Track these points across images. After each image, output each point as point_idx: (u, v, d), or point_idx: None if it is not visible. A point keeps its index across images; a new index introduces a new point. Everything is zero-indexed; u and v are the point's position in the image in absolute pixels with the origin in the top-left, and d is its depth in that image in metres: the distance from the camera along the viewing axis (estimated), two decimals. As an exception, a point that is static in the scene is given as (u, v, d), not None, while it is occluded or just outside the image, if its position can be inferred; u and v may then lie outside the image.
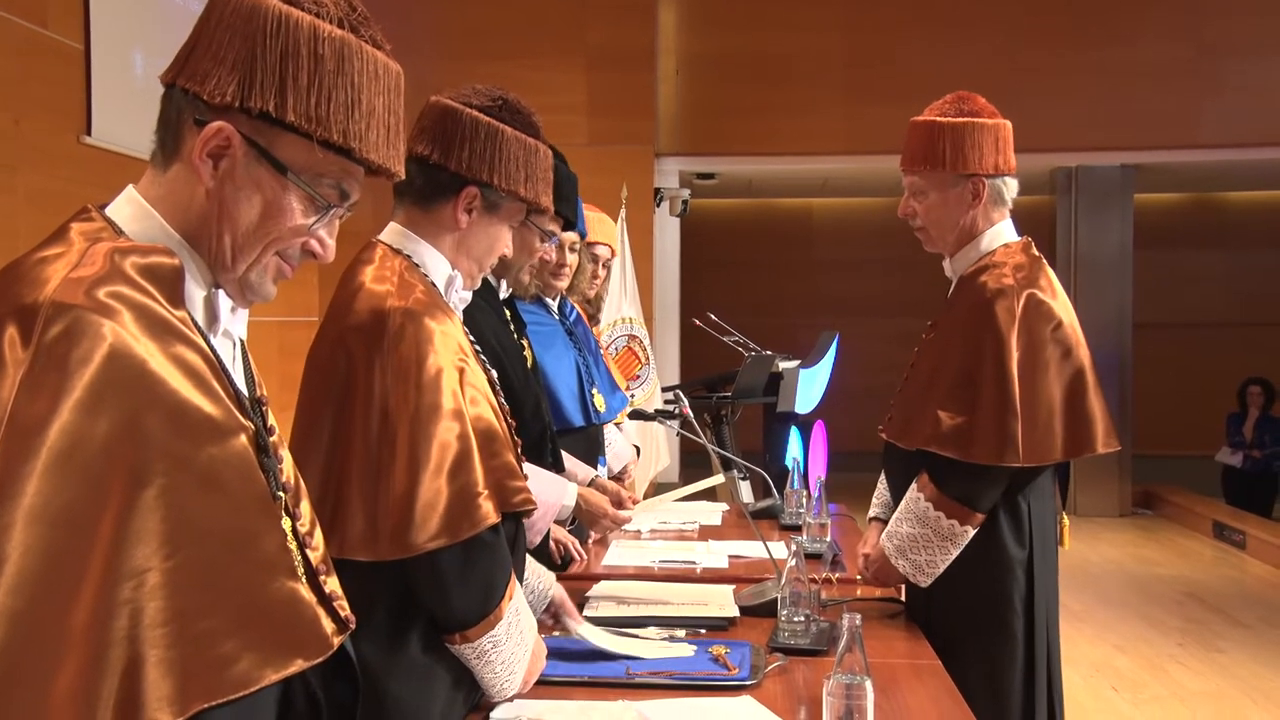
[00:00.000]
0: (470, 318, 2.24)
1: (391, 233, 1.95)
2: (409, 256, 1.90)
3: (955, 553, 2.50)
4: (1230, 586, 7.79)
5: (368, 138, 1.21)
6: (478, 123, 1.88)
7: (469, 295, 2.00)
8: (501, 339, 2.53)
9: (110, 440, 1.00)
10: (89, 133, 5.56)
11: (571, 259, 3.14)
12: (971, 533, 2.48)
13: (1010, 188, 2.61)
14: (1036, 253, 2.60)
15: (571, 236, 3.10)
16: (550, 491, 2.49)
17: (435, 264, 1.92)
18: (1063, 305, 2.53)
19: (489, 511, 1.76)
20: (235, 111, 1.16)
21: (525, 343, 2.68)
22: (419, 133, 1.92)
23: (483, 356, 1.94)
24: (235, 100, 1.15)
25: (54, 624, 0.95)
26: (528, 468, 2.50)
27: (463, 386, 1.79)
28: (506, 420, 1.91)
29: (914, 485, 2.55)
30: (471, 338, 1.94)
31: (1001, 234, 2.61)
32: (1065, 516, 2.71)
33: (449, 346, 1.79)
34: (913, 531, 2.53)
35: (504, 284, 2.63)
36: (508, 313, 2.62)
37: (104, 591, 0.98)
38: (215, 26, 1.18)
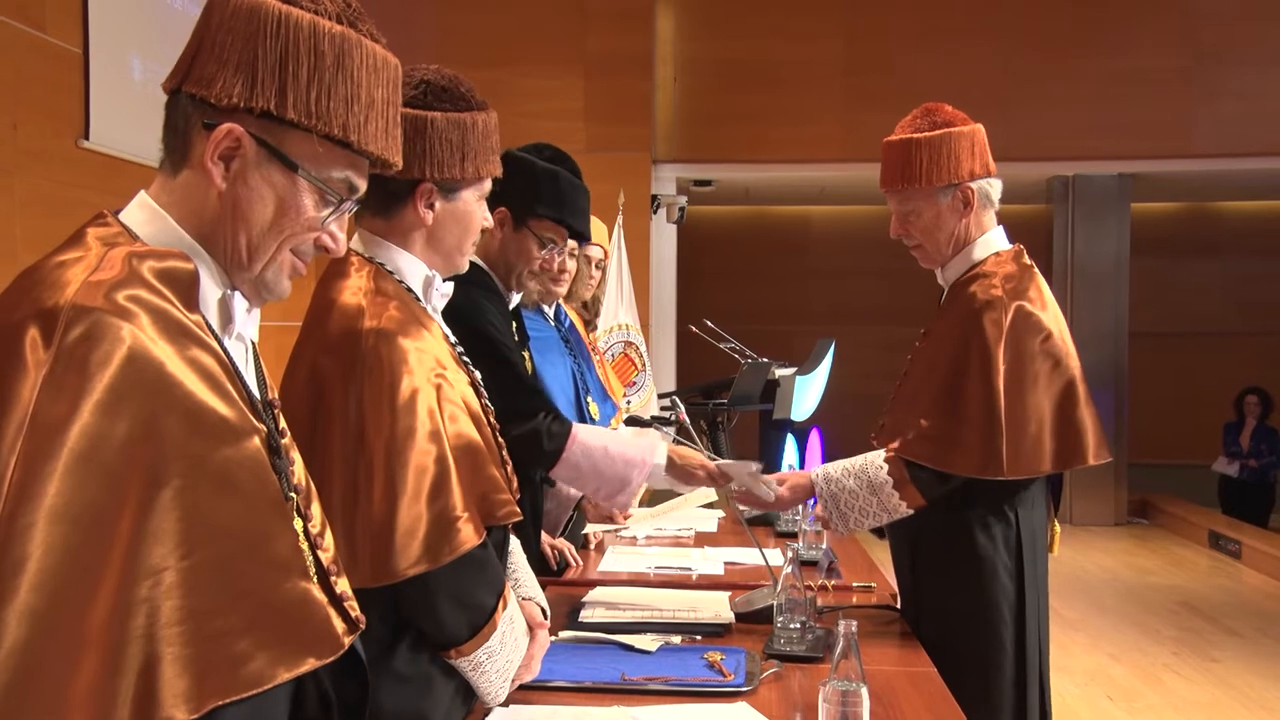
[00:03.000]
0: (484, 314, 2.34)
1: (360, 241, 1.90)
2: (382, 264, 1.86)
3: (886, 522, 2.55)
4: (1226, 596, 7.80)
5: (367, 129, 1.23)
6: (403, 119, 1.83)
7: (450, 287, 1.95)
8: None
9: (129, 441, 1.01)
10: (87, 136, 5.57)
11: (571, 264, 3.14)
12: (910, 513, 2.52)
13: (995, 188, 2.61)
14: (1028, 261, 2.60)
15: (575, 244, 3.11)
16: (640, 449, 2.51)
17: (409, 267, 1.88)
18: (1053, 316, 2.53)
19: (469, 535, 1.73)
20: (242, 113, 1.18)
21: (526, 354, 2.68)
22: None
23: (465, 359, 1.91)
24: (241, 101, 1.17)
25: (74, 622, 0.97)
26: (618, 431, 2.54)
27: (441, 404, 1.75)
28: (490, 422, 1.89)
29: (880, 455, 2.54)
30: (453, 340, 1.91)
31: (993, 242, 2.61)
32: (1056, 523, 2.71)
33: (425, 364, 1.75)
34: (856, 489, 2.54)
35: (514, 295, 2.62)
36: (513, 324, 2.61)
37: (122, 590, 1.00)
38: (216, 30, 1.19)
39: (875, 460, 2.55)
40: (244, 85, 1.17)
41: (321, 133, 1.20)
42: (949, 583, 2.53)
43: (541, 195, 2.52)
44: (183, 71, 1.20)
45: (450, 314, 2.01)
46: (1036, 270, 2.60)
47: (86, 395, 1.00)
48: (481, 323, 2.43)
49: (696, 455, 2.59)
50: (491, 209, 2.52)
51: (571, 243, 3.08)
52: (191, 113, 1.19)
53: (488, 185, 1.96)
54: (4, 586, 0.94)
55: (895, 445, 2.53)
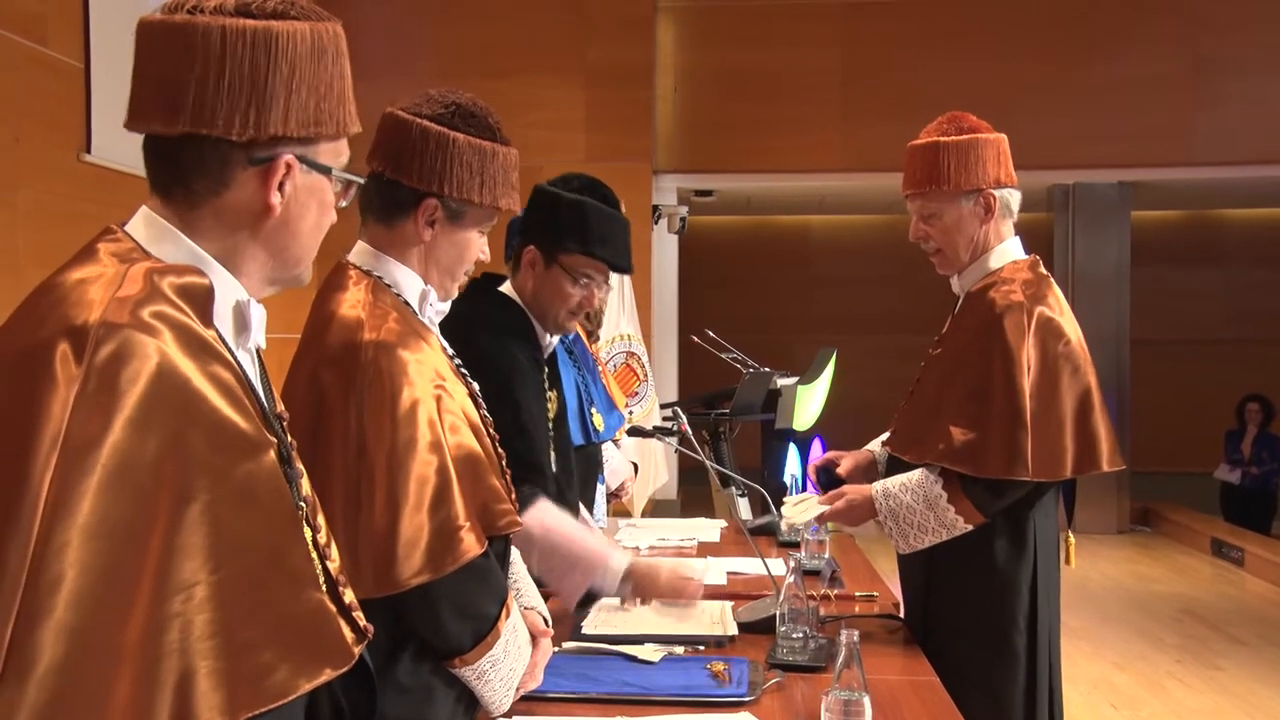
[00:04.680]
0: (517, 372, 2.27)
1: (360, 253, 1.91)
2: (379, 277, 1.86)
3: (945, 539, 2.51)
4: (1229, 604, 7.79)
5: (351, 112, 1.28)
6: (427, 133, 1.83)
7: (446, 307, 1.95)
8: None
9: (159, 457, 1.03)
10: (88, 150, 5.58)
11: (600, 294, 3.02)
12: (969, 529, 2.49)
13: (1015, 199, 2.63)
14: (1044, 271, 2.62)
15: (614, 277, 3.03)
16: (596, 551, 2.36)
17: (406, 281, 1.88)
18: (1070, 323, 2.55)
19: (471, 544, 1.73)
20: (276, 141, 1.19)
21: (554, 394, 2.59)
22: (375, 148, 1.88)
23: (463, 370, 1.91)
24: (280, 131, 1.18)
25: (110, 638, 0.98)
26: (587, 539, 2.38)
27: (441, 415, 1.76)
28: (490, 433, 1.89)
29: (935, 469, 2.52)
30: (451, 351, 1.91)
31: (1009, 251, 2.63)
32: (1071, 535, 2.70)
33: (424, 375, 1.76)
34: (914, 505, 2.52)
35: (550, 338, 2.53)
36: (545, 371, 2.53)
37: (155, 605, 1.01)
38: (225, 63, 1.16)
39: (930, 474, 2.53)
40: (272, 114, 1.18)
41: (330, 136, 1.24)
42: (964, 591, 2.53)
43: (568, 229, 2.42)
44: (185, 112, 1.16)
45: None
46: (1052, 279, 2.61)
47: (118, 412, 1.01)
48: (514, 383, 2.33)
49: (663, 571, 2.44)
50: (522, 247, 2.49)
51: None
52: (227, 152, 1.18)
53: (493, 222, 1.95)
54: (42, 605, 0.95)
55: (932, 454, 2.52)
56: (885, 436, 2.88)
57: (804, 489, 3.80)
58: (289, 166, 1.21)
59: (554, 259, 2.43)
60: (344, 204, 1.31)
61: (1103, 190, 10.25)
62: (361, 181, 1.33)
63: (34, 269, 4.88)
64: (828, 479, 2.78)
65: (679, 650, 2.42)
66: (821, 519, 2.70)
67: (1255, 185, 10.38)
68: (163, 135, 1.18)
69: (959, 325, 2.65)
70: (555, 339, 2.59)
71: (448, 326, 1.97)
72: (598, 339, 4.14)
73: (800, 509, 2.71)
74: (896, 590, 2.84)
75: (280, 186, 1.21)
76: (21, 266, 5.06)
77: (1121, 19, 9.76)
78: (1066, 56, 9.73)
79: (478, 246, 1.94)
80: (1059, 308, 2.54)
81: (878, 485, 2.61)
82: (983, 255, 2.62)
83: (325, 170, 1.25)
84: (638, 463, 4.35)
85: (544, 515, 2.29)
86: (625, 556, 2.41)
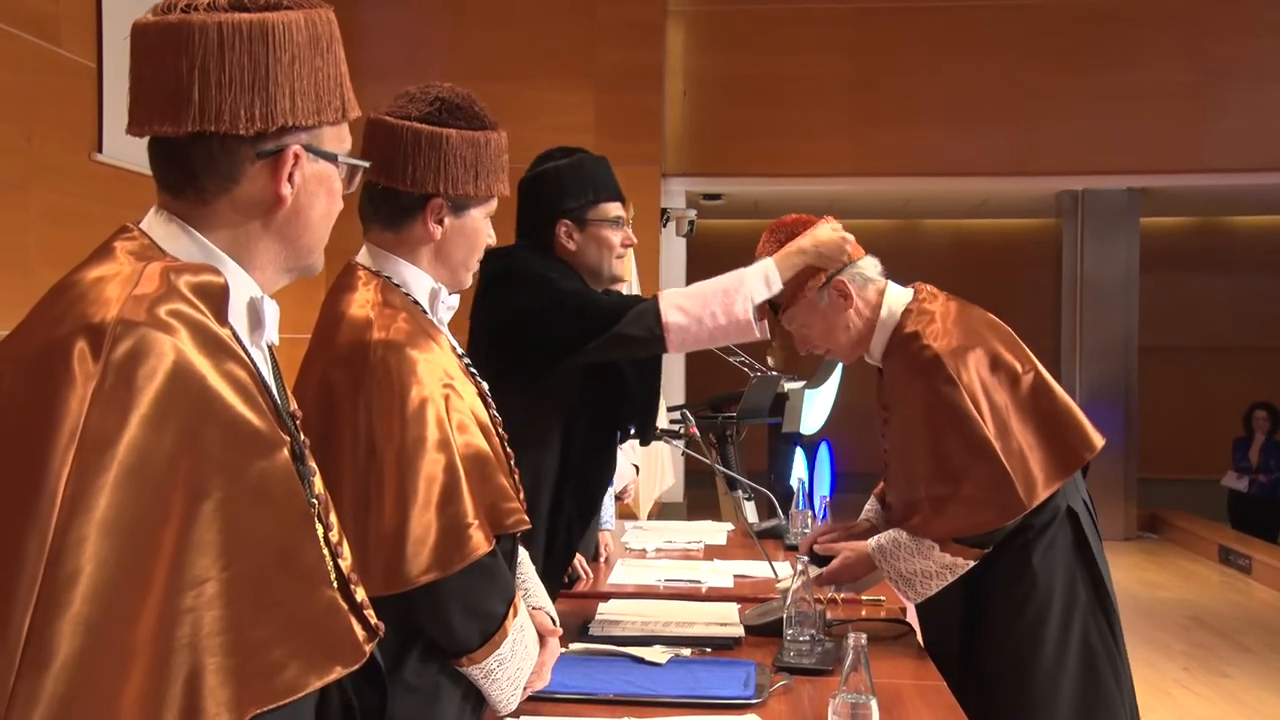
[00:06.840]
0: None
1: (368, 254, 1.93)
2: (389, 277, 1.88)
3: (952, 580, 2.48)
4: (1236, 611, 7.77)
5: (350, 97, 1.28)
6: (419, 135, 1.84)
7: (456, 301, 1.97)
8: None
9: (174, 455, 1.04)
10: (100, 150, 5.60)
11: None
12: (973, 563, 2.45)
13: (868, 265, 2.61)
14: (935, 295, 2.58)
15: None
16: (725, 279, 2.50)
17: (416, 280, 1.90)
18: (986, 333, 2.51)
19: (480, 542, 1.75)
20: (282, 131, 1.20)
21: None
22: (365, 156, 1.87)
23: (472, 370, 1.92)
24: (285, 121, 1.19)
25: (125, 632, 1.00)
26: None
27: (449, 413, 1.77)
28: (499, 432, 1.90)
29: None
30: (460, 351, 1.92)
31: (895, 300, 2.59)
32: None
33: (433, 374, 1.77)
34: (910, 558, 2.48)
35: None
36: None
37: (168, 600, 1.02)
38: (224, 59, 1.17)
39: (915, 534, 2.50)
40: (277, 105, 1.18)
41: (335, 122, 1.26)
42: (1010, 610, 2.49)
43: (581, 190, 2.60)
44: (190, 111, 1.17)
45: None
46: (946, 299, 2.58)
47: (134, 409, 1.02)
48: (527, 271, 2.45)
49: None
50: (550, 228, 2.54)
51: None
52: (235, 147, 1.19)
53: (494, 205, 1.97)
54: (60, 598, 0.97)
55: (927, 533, 2.47)
56: (873, 503, 2.84)
57: (810, 499, 3.80)
58: (297, 156, 1.21)
59: (585, 220, 2.59)
60: (349, 190, 1.33)
61: (1112, 196, 10.23)
62: (366, 165, 1.34)
63: (45, 269, 4.90)
64: (824, 560, 2.73)
65: (685, 652, 2.43)
66: (820, 580, 2.67)
67: (1264, 192, 10.37)
68: (169, 136, 1.18)
69: (893, 392, 2.63)
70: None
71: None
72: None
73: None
74: (902, 596, 2.83)
75: (290, 177, 1.22)
76: (32, 266, 5.08)
77: (1131, 26, 9.75)
78: (1076, 63, 9.72)
79: (485, 232, 1.96)
80: (966, 328, 2.50)
81: (873, 542, 2.58)
82: (873, 327, 2.59)
83: (331, 157, 1.26)
84: (640, 465, 4.36)
85: (664, 299, 2.43)
86: (755, 268, 2.51)
